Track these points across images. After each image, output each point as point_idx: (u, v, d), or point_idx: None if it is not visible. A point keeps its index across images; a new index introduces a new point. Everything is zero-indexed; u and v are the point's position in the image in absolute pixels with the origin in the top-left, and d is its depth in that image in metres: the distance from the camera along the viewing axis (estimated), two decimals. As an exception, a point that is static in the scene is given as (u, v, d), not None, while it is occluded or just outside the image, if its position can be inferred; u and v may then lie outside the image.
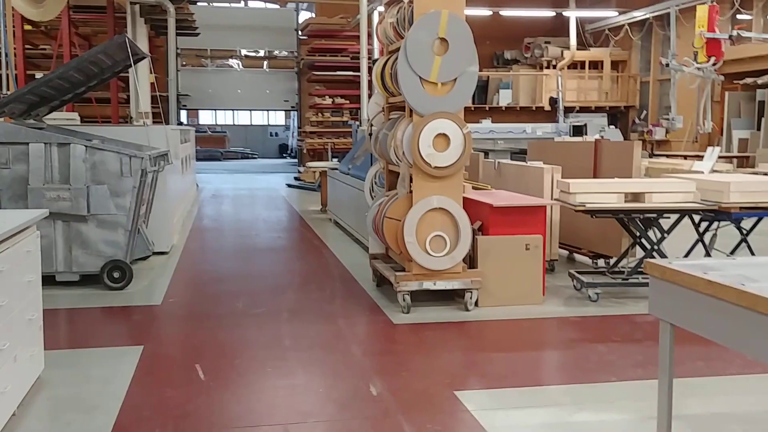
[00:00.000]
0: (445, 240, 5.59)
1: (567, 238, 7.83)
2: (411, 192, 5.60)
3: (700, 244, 6.70)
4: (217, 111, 37.34)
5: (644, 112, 21.06)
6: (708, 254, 6.53)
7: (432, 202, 5.55)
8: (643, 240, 6.14)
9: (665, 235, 5.99)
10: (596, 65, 21.60)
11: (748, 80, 15.10)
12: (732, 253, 6.73)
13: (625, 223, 6.15)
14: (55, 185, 6.16)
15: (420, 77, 5.42)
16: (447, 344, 4.87)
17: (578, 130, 18.43)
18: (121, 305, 5.85)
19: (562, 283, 6.62)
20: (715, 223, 6.55)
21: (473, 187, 7.23)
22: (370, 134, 6.58)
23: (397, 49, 5.62)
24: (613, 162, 7.18)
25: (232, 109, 35.36)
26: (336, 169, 10.92)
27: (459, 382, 4.11)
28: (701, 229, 6.67)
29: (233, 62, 23.98)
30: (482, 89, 22.60)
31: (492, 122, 19.00)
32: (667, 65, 10.27)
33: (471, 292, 5.65)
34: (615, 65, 21.72)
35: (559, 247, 7.50)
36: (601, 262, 7.44)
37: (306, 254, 8.53)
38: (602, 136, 17.23)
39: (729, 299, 2.58)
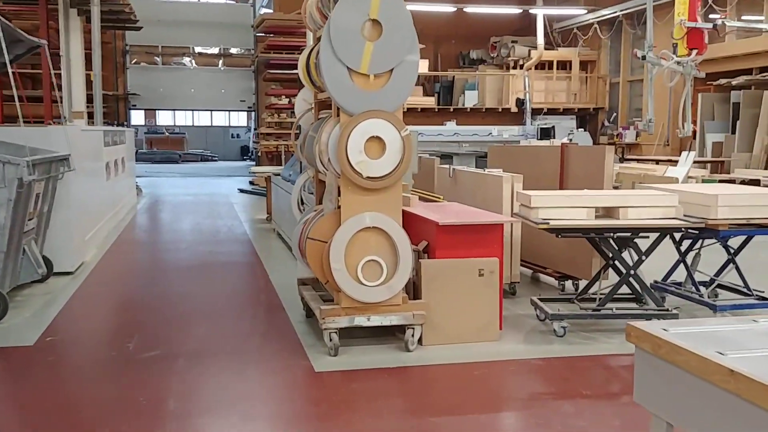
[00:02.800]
0: (380, 266, 4.60)
1: (530, 255, 6.89)
2: (339, 208, 4.61)
3: (681, 265, 5.81)
4: (176, 112, 35.97)
5: (614, 114, 20.35)
6: (691, 277, 5.63)
7: (364, 221, 4.55)
8: (617, 262, 5.21)
9: (643, 257, 5.07)
10: (564, 65, 20.85)
11: (722, 81, 14.38)
12: (718, 274, 5.85)
13: (597, 243, 5.22)
14: None
15: (348, 68, 4.43)
16: (377, 403, 3.86)
17: (546, 133, 17.69)
18: (-17, 346, 4.75)
19: (524, 311, 5.68)
20: (699, 241, 5.67)
21: (422, 199, 6.26)
22: (297, 135, 5.57)
23: (323, 34, 4.62)
24: (582, 169, 6.26)
25: (187, 110, 34.01)
26: (279, 174, 9.89)
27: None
28: (684, 247, 5.78)
29: (186, 60, 22.74)
30: (447, 90, 21.73)
31: (457, 124, 18.14)
32: (643, 58, 9.38)
33: (413, 328, 4.67)
34: (584, 65, 20.99)
35: (522, 265, 6.56)
36: (568, 285, 6.52)
37: (235, 274, 7.48)
38: (570, 139, 16.44)
39: (762, 405, 1.64)
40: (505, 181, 6.06)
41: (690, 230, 5.26)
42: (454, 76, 21.47)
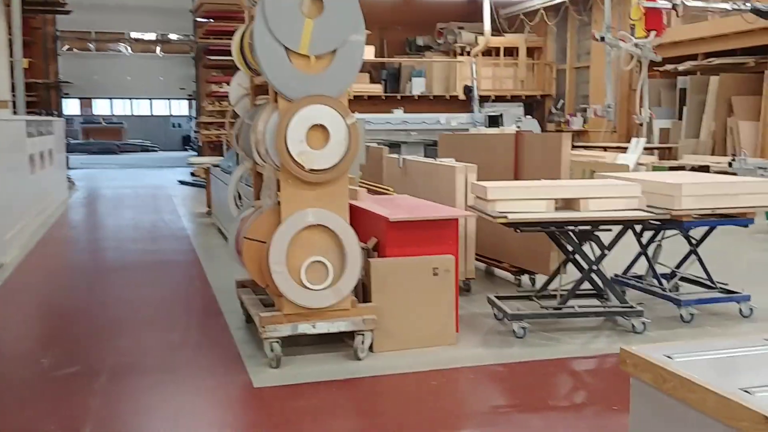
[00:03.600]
0: (326, 267, 4.17)
1: (485, 248, 6.56)
2: (279, 204, 4.16)
3: (642, 257, 5.55)
4: (114, 100, 34.61)
5: (561, 101, 20.28)
6: (653, 270, 5.37)
7: (307, 218, 4.11)
8: (577, 257, 4.90)
9: (606, 251, 4.77)
10: (511, 52, 20.65)
11: (669, 67, 14.33)
12: (679, 266, 5.61)
13: (557, 237, 4.90)
14: None
15: (285, 48, 3.97)
16: (323, 423, 3.45)
17: (494, 120, 17.48)
18: None
19: (480, 309, 5.33)
20: (661, 232, 5.41)
21: (371, 192, 5.86)
22: (231, 123, 5.09)
23: (258, 11, 4.14)
24: (538, 158, 5.95)
25: (125, 98, 32.74)
26: (218, 166, 9.33)
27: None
28: (645, 238, 5.52)
29: (121, 46, 21.74)
30: (394, 77, 21.30)
31: (405, 112, 17.77)
32: (602, 39, 9.12)
33: (363, 334, 4.27)
34: (530, 52, 20.84)
35: (476, 259, 6.23)
36: (525, 280, 6.21)
37: (170, 275, 6.94)
38: (519, 127, 16.26)
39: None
40: (459, 171, 5.70)
41: (652, 222, 4.99)
42: (400, 63, 21.05)
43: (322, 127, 4.06)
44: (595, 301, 5.12)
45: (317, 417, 3.49)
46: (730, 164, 8.06)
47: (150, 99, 33.90)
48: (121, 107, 36.04)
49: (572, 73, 19.78)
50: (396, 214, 4.55)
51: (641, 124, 10.39)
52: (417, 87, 20.26)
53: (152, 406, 3.63)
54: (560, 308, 4.77)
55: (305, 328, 4.17)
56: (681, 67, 14.18)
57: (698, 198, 4.88)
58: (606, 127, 16.98)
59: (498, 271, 6.56)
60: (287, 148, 4.00)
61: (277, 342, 4.12)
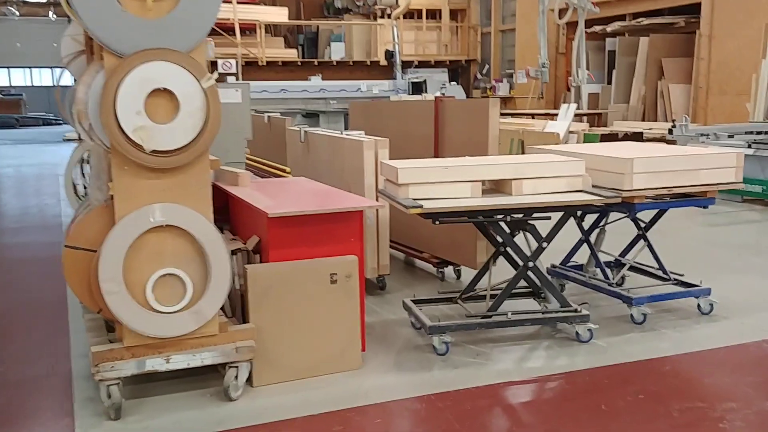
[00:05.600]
0: (182, 282, 3.12)
1: (402, 236, 5.63)
2: (112, 198, 3.06)
3: (585, 245, 4.71)
4: (11, 70, 31.93)
5: (486, 66, 19.51)
6: (597, 260, 4.53)
7: (152, 216, 3.03)
8: (509, 249, 3.99)
9: (544, 244, 3.87)
10: (434, 15, 19.70)
11: (596, 28, 13.65)
12: (624, 254, 4.81)
13: (485, 227, 3.98)
14: None
15: (106, -20, 2.84)
16: None
17: (417, 87, 16.60)
18: None
19: (395, 314, 4.40)
20: (606, 215, 4.57)
21: (264, 173, 4.79)
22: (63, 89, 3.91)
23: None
24: (462, 129, 5.00)
25: (23, 67, 30.19)
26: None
27: None
28: (588, 221, 4.68)
29: (9, 9, 19.64)
30: (312, 42, 20.08)
31: (323, 79, 16.65)
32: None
33: (237, 366, 3.25)
34: (454, 15, 19.95)
35: (392, 248, 5.29)
36: (450, 272, 5.31)
37: (23, 277, 5.71)
38: (443, 93, 15.40)
39: None
40: (367, 147, 4.69)
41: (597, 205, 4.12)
42: (318, 27, 19.82)
43: (168, 92, 2.97)
44: (531, 303, 4.25)
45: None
46: (670, 131, 7.33)
47: (51, 68, 31.45)
48: (22, 77, 33.37)
49: (498, 37, 19.00)
50: (280, 206, 3.52)
51: (578, 87, 9.60)
52: (336, 52, 19.12)
53: None
54: (490, 316, 3.85)
55: (156, 363, 3.11)
56: (609, 28, 13.52)
57: (651, 176, 4.04)
58: (533, 93, 16.29)
59: (419, 262, 5.63)
60: (118, 122, 2.90)
61: (117, 385, 3.06)
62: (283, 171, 5.26)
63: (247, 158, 5.67)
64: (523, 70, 17.23)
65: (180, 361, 3.15)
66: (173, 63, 2.96)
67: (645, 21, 13.06)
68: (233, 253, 3.62)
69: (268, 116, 7.03)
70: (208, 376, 3.40)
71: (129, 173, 2.99)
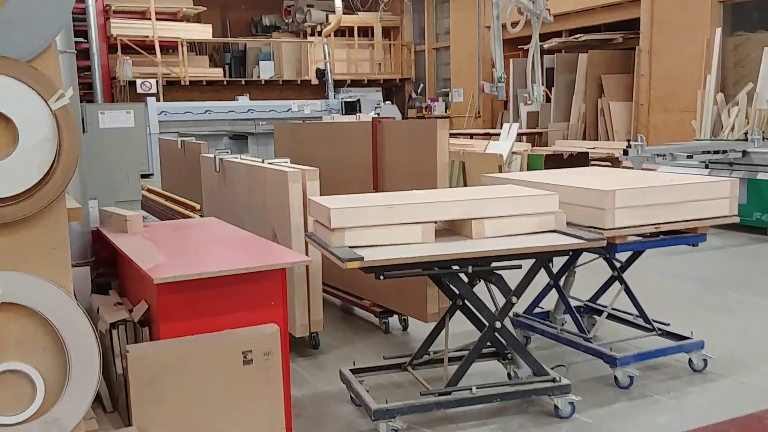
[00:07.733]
0: (30, 380, 2.23)
1: (338, 280, 4.84)
2: (-77, 269, 2.15)
3: (552, 290, 4.00)
4: None
5: (421, 85, 18.97)
6: (569, 308, 3.82)
7: (-19, 293, 2.14)
8: (468, 302, 3.24)
9: (513, 299, 3.13)
10: (366, 32, 19.07)
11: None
12: (595, 299, 4.13)
13: (441, 279, 3.21)
14: None
15: None
16: None
17: (351, 107, 15.87)
18: None
19: (330, 384, 3.58)
20: (578, 256, 3.88)
21: (167, 214, 3.92)
22: None
23: None
24: (406, 155, 4.25)
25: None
26: None
27: None
28: (559, 265, 3.97)
29: None
30: (239, 61, 19.12)
31: (251, 99, 15.73)
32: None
33: (114, 489, 2.36)
34: (386, 32, 19.36)
35: (325, 292, 4.47)
36: (395, 321, 4.52)
37: None
38: (378, 113, 14.74)
39: None
40: (292, 179, 3.86)
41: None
42: (245, 45, 18.90)
43: (1, 118, 2.10)
44: (496, 366, 3.50)
45: None
46: (625, 151, 6.78)
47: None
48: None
49: (432, 55, 18.50)
50: (173, 265, 2.67)
51: (531, 104, 9.00)
52: (265, 71, 18.23)
53: None
54: (449, 392, 3.07)
55: (-8, 499, 2.21)
56: (547, 45, 13.11)
57: (635, 210, 3.36)
58: (469, 112, 15.80)
59: (358, 309, 4.82)
60: None
61: None
62: (193, 209, 4.38)
63: (152, 192, 4.77)
64: (459, 89, 16.78)
65: (28, 491, 2.25)
66: (7, 76, 2.09)
67: (583, 37, 12.72)
68: (113, 326, 2.75)
69: (182, 141, 6.13)
70: (78, 500, 2.50)
71: (-56, 232, 2.10)
